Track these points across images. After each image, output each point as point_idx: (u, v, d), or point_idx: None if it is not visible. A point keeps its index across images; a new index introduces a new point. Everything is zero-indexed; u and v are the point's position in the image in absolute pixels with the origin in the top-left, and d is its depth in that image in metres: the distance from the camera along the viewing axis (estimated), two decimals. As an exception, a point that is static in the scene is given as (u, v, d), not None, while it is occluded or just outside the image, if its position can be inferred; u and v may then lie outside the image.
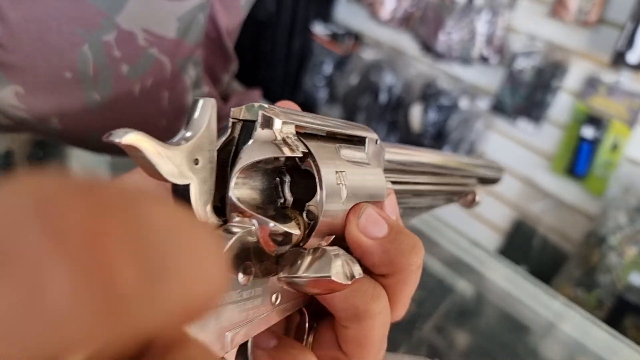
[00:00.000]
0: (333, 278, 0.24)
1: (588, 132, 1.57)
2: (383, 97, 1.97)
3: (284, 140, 0.26)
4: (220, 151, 0.25)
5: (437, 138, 1.87)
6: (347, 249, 0.29)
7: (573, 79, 1.62)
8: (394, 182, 0.34)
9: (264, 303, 0.26)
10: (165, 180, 0.21)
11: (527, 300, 0.70)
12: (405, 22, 1.94)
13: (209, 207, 0.24)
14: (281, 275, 0.25)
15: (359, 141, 0.32)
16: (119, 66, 0.46)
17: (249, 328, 0.25)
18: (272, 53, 2.24)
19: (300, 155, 0.26)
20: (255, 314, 0.25)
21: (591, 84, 1.56)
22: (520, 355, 0.68)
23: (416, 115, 1.90)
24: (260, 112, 0.25)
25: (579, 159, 1.59)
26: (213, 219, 0.24)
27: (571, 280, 1.49)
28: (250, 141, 0.25)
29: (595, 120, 1.56)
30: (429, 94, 1.86)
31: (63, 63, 0.44)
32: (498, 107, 1.77)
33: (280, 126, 0.26)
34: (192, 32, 0.49)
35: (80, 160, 0.80)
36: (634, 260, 1.41)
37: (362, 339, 0.28)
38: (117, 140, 0.19)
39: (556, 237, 1.68)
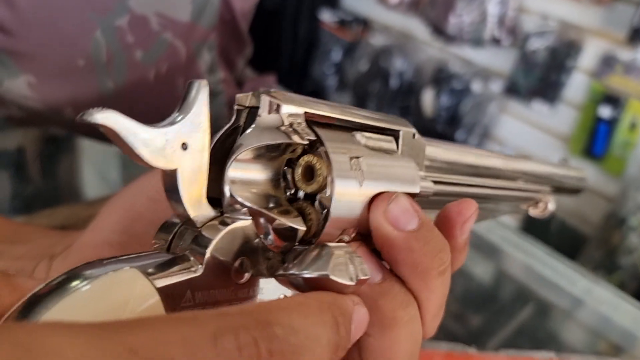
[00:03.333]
0: (331, 277, 0.22)
1: (605, 111, 1.54)
2: (394, 83, 1.95)
3: (290, 125, 0.24)
4: (225, 140, 0.24)
5: (450, 122, 1.85)
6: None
7: (588, 58, 1.60)
8: (437, 182, 0.31)
9: None
10: (147, 165, 0.20)
11: (553, 278, 0.69)
12: (414, 5, 1.91)
13: (202, 198, 0.22)
14: (279, 272, 0.23)
15: (392, 135, 0.29)
16: (132, 52, 0.45)
17: None
18: (280, 42, 2.22)
19: (307, 142, 0.24)
20: None
21: (607, 63, 1.54)
22: (547, 332, 0.67)
23: (428, 100, 1.88)
24: (266, 97, 0.24)
25: (596, 140, 1.57)
26: (207, 211, 0.22)
27: (591, 263, 1.47)
28: (252, 127, 0.23)
29: (612, 100, 1.54)
30: (441, 78, 1.84)
31: (76, 50, 0.43)
32: (512, 89, 1.75)
33: (288, 111, 0.24)
34: (206, 14, 0.48)
35: (91, 156, 0.80)
36: (655, 241, 1.39)
37: (386, 351, 0.25)
38: (89, 119, 0.18)
39: (575, 220, 1.66)
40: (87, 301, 0.17)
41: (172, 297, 0.19)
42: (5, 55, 0.41)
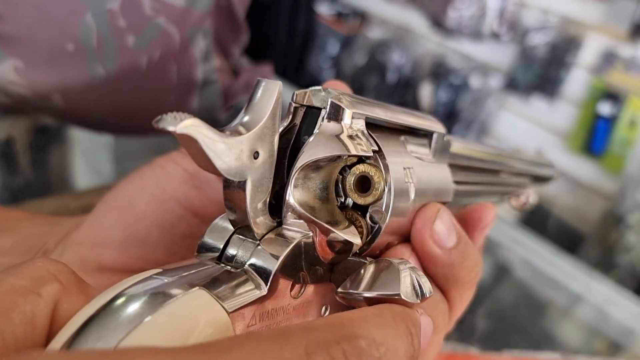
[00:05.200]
0: (403, 297, 0.21)
1: (605, 108, 1.54)
2: (391, 77, 1.94)
3: (351, 135, 0.23)
4: (280, 139, 0.22)
5: (448, 118, 1.85)
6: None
7: (589, 54, 1.60)
8: (458, 183, 0.31)
9: (311, 316, 0.23)
10: (219, 175, 0.19)
11: (551, 273, 0.69)
12: (413, -2, 1.90)
13: (265, 207, 0.21)
14: (340, 290, 0.23)
15: (424, 135, 0.29)
16: (124, 37, 0.43)
17: None
18: (275, 34, 2.20)
19: (371, 154, 0.23)
20: None
21: (607, 59, 1.53)
22: (545, 328, 0.68)
23: (426, 95, 1.87)
24: (329, 100, 0.22)
25: (595, 137, 1.57)
26: (267, 221, 0.21)
27: (589, 261, 1.46)
28: (315, 134, 0.22)
29: (612, 96, 1.53)
30: (439, 73, 1.84)
31: (64, 34, 0.41)
32: (511, 85, 1.75)
33: (350, 120, 0.23)
34: (202, -1, 0.46)
35: (82, 147, 0.78)
36: (653, 239, 1.39)
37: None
38: (170, 128, 0.16)
39: (572, 218, 1.66)
40: (157, 328, 0.15)
41: (239, 320, 0.18)
42: (-10, 39, 0.40)
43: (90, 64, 0.43)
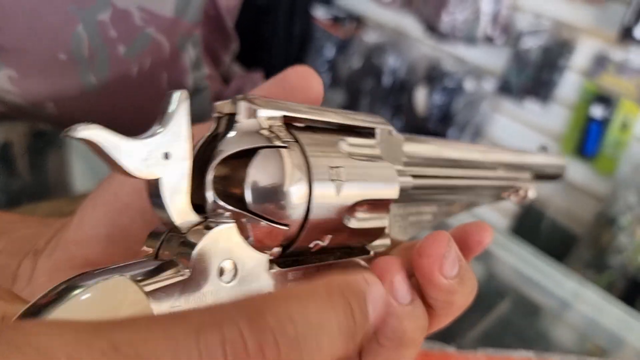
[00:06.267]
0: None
1: (597, 111, 1.55)
2: (387, 80, 1.95)
3: (270, 128, 0.24)
4: (207, 147, 0.24)
5: (442, 121, 1.85)
6: (345, 247, 0.28)
7: (581, 57, 1.60)
8: (416, 176, 0.32)
9: None
10: (130, 176, 0.20)
11: (540, 280, 0.69)
12: (408, 3, 1.91)
13: (186, 205, 0.22)
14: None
15: (369, 133, 0.30)
16: (115, 47, 0.44)
17: None
18: (272, 38, 2.21)
19: (285, 145, 0.24)
20: None
21: (599, 63, 1.54)
22: (534, 334, 0.68)
23: (421, 98, 1.88)
24: (242, 103, 0.24)
25: (588, 139, 1.57)
26: (192, 217, 0.23)
27: (581, 262, 1.47)
28: (232, 132, 0.24)
29: (604, 99, 1.54)
30: (434, 76, 1.84)
31: (57, 44, 0.42)
32: (504, 88, 1.75)
33: (266, 115, 0.24)
34: (191, 9, 0.47)
35: (81, 151, 0.79)
36: (645, 240, 1.39)
37: None
38: (73, 135, 0.19)
39: (565, 219, 1.66)
40: (79, 311, 0.18)
41: (162, 302, 0.20)
42: (-16, 49, 0.41)
43: (82, 73, 0.44)
